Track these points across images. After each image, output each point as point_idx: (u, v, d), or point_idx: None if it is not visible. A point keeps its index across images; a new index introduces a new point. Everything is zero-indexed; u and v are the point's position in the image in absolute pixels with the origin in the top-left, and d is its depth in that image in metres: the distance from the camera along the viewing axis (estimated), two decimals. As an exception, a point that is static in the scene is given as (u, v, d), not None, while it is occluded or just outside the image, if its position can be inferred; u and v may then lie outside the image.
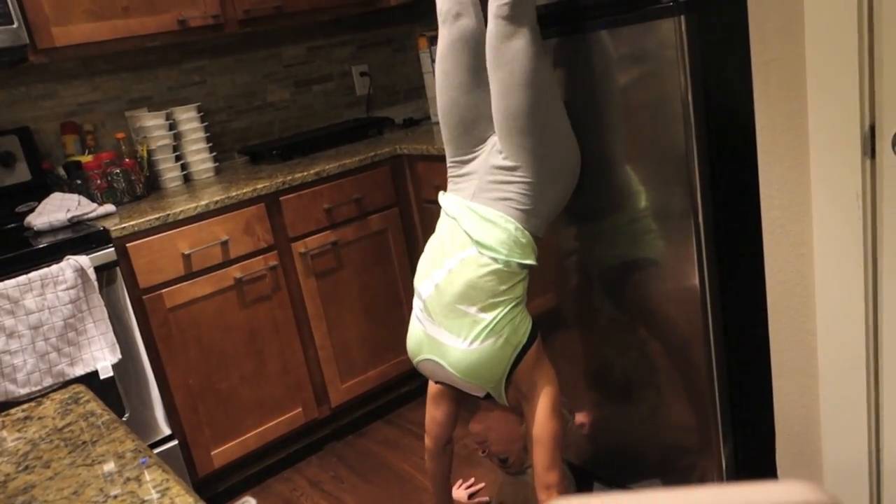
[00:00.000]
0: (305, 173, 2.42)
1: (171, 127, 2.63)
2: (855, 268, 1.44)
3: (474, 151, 1.67)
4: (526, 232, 1.57)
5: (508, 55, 1.52)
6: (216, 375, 2.32)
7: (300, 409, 2.51)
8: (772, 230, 1.58)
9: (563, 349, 2.04)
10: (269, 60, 3.03)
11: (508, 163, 1.57)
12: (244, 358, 2.37)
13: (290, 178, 2.39)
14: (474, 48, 1.64)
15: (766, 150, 1.53)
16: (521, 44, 1.51)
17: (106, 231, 2.09)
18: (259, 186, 2.34)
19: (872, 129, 1.37)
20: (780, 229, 1.56)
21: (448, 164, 1.73)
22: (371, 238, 2.62)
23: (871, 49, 1.32)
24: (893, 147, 1.34)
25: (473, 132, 1.66)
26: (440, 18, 1.68)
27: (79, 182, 2.40)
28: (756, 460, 1.85)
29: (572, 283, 1.95)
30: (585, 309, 1.94)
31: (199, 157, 2.69)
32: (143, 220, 2.13)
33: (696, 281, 1.67)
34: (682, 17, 1.53)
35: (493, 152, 1.61)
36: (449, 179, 1.72)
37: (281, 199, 2.39)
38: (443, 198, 1.71)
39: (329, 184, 2.48)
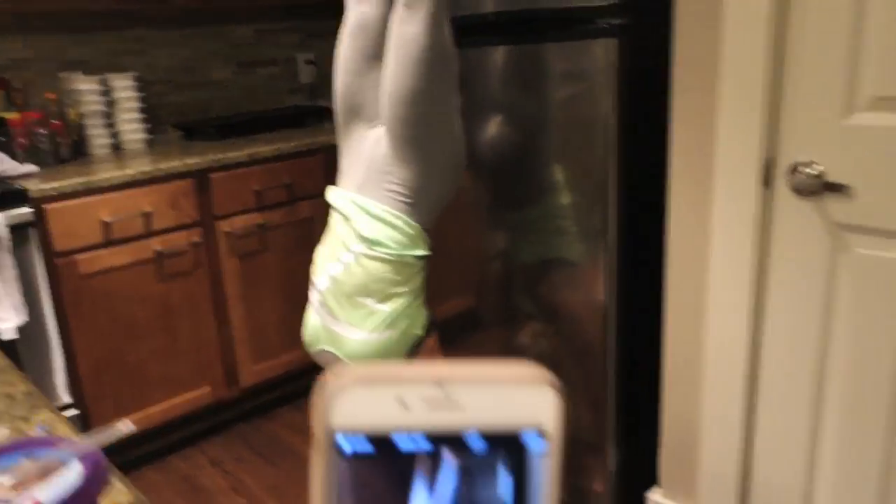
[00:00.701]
0: (239, 153, 2.42)
1: (105, 93, 2.58)
2: (743, 288, 1.55)
3: (362, 141, 1.65)
4: (415, 224, 1.58)
5: (403, 39, 1.50)
6: (125, 347, 2.29)
7: (209, 388, 2.49)
8: (675, 248, 1.68)
9: (475, 340, 2.11)
10: (215, 38, 3.01)
11: (392, 153, 1.56)
12: (156, 332, 2.34)
13: (222, 156, 2.38)
14: (372, 35, 1.62)
15: (677, 173, 1.63)
16: (417, 30, 1.51)
17: (24, 190, 2.04)
18: (190, 161, 2.32)
19: (770, 161, 1.48)
20: (681, 249, 1.66)
21: (339, 154, 1.71)
22: (298, 224, 2.63)
23: (778, 88, 1.43)
24: (786, 179, 1.45)
25: (362, 119, 1.65)
26: (346, 3, 1.67)
27: (2, 139, 2.34)
28: (640, 468, 1.94)
29: (491, 277, 2.01)
30: (501, 303, 2.01)
31: (131, 127, 2.65)
32: (65, 182, 2.09)
33: (603, 289, 1.76)
34: (616, 40, 1.61)
35: (380, 143, 1.60)
36: (339, 170, 1.71)
37: (211, 176, 2.38)
38: (330, 193, 1.67)
39: (261, 166, 2.48)
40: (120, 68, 2.75)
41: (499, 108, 1.86)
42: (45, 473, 0.52)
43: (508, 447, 0.23)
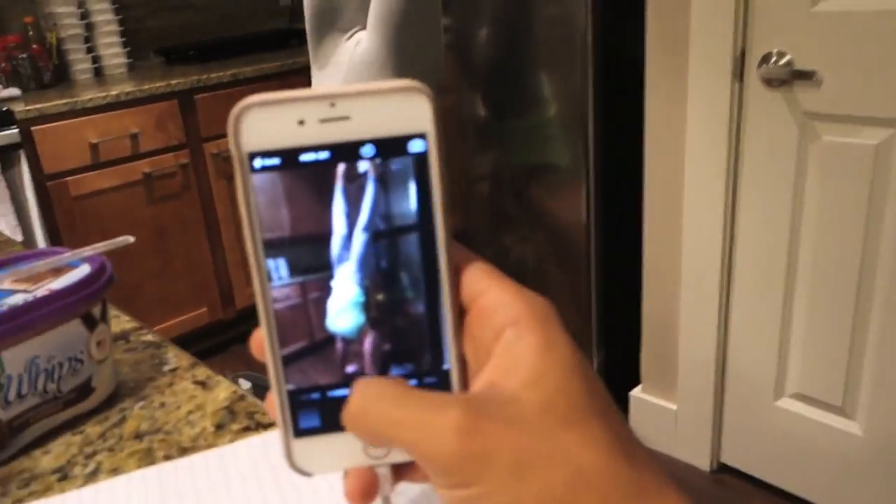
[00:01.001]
0: (222, 74, 2.43)
1: (83, 16, 2.56)
2: (717, 182, 1.61)
3: (336, 52, 1.59)
4: None
5: None
6: (119, 269, 2.33)
7: (205, 309, 2.56)
8: (652, 148, 1.72)
9: (477, 234, 2.17)
10: (190, -40, 2.97)
11: (372, 58, 1.51)
12: (150, 254, 2.39)
13: (205, 76, 2.39)
14: None
15: (653, 71, 1.67)
16: None
17: (10, 112, 2.05)
18: (173, 82, 2.33)
19: (742, 54, 1.51)
20: (658, 148, 1.71)
21: (312, 70, 1.62)
22: (285, 146, 2.65)
23: (747, -20, 1.46)
24: (757, 71, 1.49)
25: (337, 27, 1.57)
26: None
27: (-19, 64, 2.33)
28: (623, 368, 2.04)
29: (483, 181, 2.06)
30: (493, 203, 2.06)
31: (112, 52, 2.63)
32: (49, 104, 2.10)
33: (583, 195, 1.81)
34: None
35: (357, 49, 1.54)
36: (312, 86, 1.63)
37: (196, 97, 2.39)
38: None
39: (245, 87, 2.49)
40: (96, -8, 2.72)
41: (488, 20, 1.88)
42: (56, 273, 0.58)
43: (396, 150, 0.26)
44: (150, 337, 0.74)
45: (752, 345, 1.68)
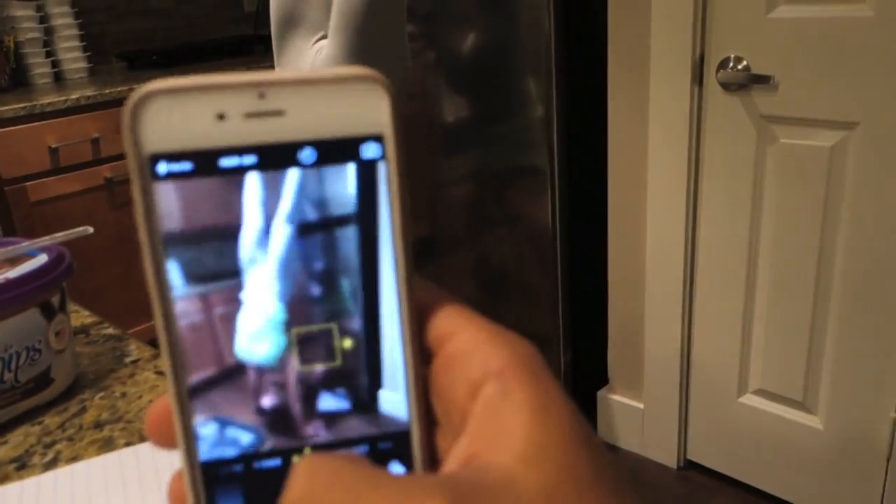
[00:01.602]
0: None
1: (43, 20, 2.52)
2: (679, 185, 1.64)
3: (300, 56, 1.55)
4: None
5: None
6: (82, 276, 2.29)
7: (170, 316, 2.52)
8: (616, 151, 1.75)
9: (448, 239, 2.17)
10: (154, -35, 2.94)
11: (331, 64, 1.47)
12: (113, 260, 2.35)
13: (168, 81, 2.36)
14: None
15: (615, 76, 1.69)
16: None
17: (-35, 115, 2.00)
18: (135, 87, 2.30)
19: (702, 58, 1.55)
20: (622, 152, 1.74)
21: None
22: (251, 151, 2.63)
23: (705, -15, 1.49)
24: (716, 75, 1.52)
25: (301, 30, 1.54)
26: None
27: (-64, 67, 2.28)
28: (591, 369, 2.06)
29: (451, 185, 2.07)
30: (472, 207, 2.07)
31: (72, 56, 2.59)
32: (7, 107, 2.06)
33: (549, 196, 1.83)
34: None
35: (318, 56, 1.51)
36: None
37: (158, 102, 2.36)
38: None
39: (210, 92, 2.47)
40: (56, -4, 2.68)
41: (456, 27, 1.89)
42: (13, 263, 0.57)
43: (343, 155, 0.21)
44: (110, 330, 0.73)
45: (715, 343, 1.71)
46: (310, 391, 0.22)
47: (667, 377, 1.80)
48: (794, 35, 1.40)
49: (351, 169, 0.21)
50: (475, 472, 0.20)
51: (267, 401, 0.22)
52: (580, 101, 1.82)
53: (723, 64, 1.50)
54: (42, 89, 2.42)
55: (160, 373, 0.64)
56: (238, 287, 0.21)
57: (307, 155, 0.21)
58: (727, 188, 1.59)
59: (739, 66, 1.48)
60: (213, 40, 3.06)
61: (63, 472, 0.50)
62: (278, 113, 0.20)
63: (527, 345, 0.22)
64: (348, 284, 0.22)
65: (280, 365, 0.22)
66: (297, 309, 0.22)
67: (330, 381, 0.22)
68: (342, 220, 0.22)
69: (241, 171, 0.21)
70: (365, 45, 1.52)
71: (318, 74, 0.21)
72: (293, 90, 0.20)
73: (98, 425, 0.57)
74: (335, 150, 0.21)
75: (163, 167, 0.20)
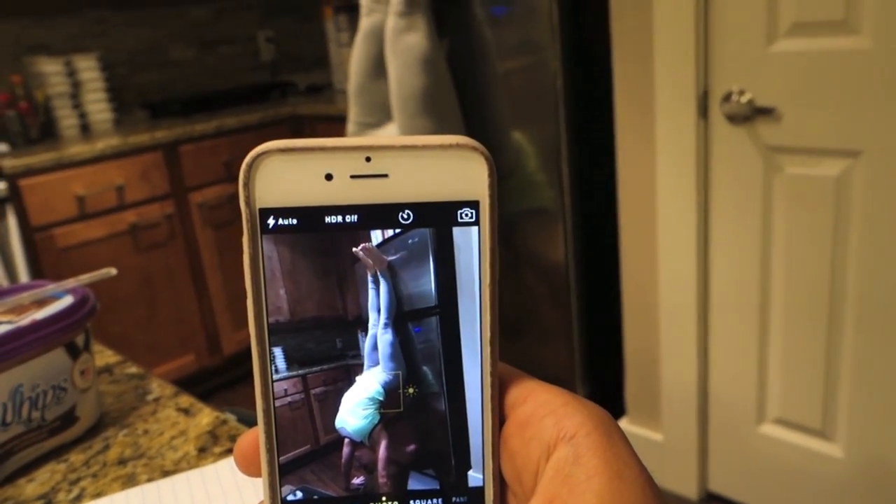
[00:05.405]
0: (206, 125, 2.48)
1: (71, 75, 2.62)
2: (689, 218, 1.66)
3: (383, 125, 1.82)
4: None
5: (401, 47, 1.68)
6: (107, 318, 2.35)
7: (193, 356, 2.57)
8: (625, 187, 1.78)
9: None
10: (175, 18, 3.05)
11: None
12: (137, 303, 2.41)
13: (189, 129, 2.44)
14: (382, 40, 1.79)
15: (622, 113, 1.73)
16: (414, 38, 1.67)
17: (-3, 167, 2.09)
18: (158, 135, 2.38)
19: (705, 93, 1.58)
20: (631, 188, 1.77)
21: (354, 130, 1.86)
22: (270, 194, 2.69)
23: (707, 24, 1.53)
24: (720, 108, 1.55)
25: (375, 116, 1.82)
26: (360, 10, 1.83)
27: (-31, 122, 2.37)
28: (609, 401, 2.06)
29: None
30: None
31: (98, 107, 2.69)
32: (36, 158, 2.14)
33: (562, 235, 1.86)
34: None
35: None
36: None
37: (180, 148, 2.44)
38: None
39: (229, 138, 2.55)
40: (83, 50, 2.79)
41: (466, 71, 1.95)
42: (40, 305, 0.61)
43: (440, 218, 0.22)
44: (133, 369, 0.76)
45: (732, 373, 1.71)
46: (400, 471, 0.23)
47: (684, 409, 1.80)
48: (794, 67, 1.43)
49: (448, 232, 0.22)
50: None
51: (356, 478, 0.23)
52: (588, 138, 1.85)
53: (726, 97, 1.53)
54: (69, 139, 2.51)
55: (182, 410, 0.67)
56: (338, 341, 0.23)
57: (407, 216, 0.22)
58: (737, 219, 1.60)
59: (743, 99, 1.51)
60: (231, 89, 3.16)
61: (87, 505, 0.53)
62: (382, 175, 0.22)
63: (600, 410, 0.22)
64: (441, 345, 0.23)
65: (371, 442, 0.23)
66: (392, 387, 0.23)
67: (410, 438, 0.23)
68: (436, 281, 0.22)
69: (344, 228, 0.22)
70: (423, 127, 1.69)
71: (421, 141, 0.22)
72: (398, 155, 0.22)
73: (121, 462, 0.60)
74: (434, 214, 0.22)
75: (272, 221, 0.22)
